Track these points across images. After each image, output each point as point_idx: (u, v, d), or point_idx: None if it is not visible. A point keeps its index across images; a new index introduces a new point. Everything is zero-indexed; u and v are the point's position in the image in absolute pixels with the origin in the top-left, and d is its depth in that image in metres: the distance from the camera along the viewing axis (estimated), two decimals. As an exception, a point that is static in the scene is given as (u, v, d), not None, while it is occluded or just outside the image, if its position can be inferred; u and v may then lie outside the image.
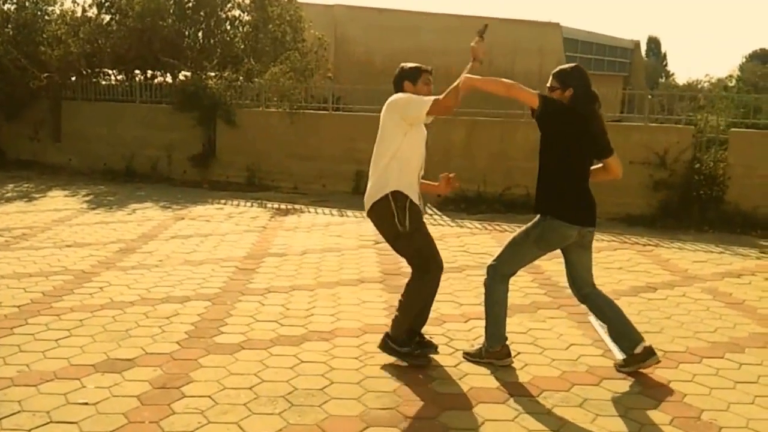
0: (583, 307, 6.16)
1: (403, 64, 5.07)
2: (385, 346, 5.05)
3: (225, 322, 5.71)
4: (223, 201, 11.90)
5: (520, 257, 5.00)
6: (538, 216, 4.85)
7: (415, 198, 4.91)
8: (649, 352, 4.75)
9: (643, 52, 44.04)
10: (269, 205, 11.57)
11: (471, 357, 5.06)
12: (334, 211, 10.86)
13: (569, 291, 5.12)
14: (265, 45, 16.00)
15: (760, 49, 58.60)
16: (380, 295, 6.55)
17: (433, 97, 4.80)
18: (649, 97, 11.39)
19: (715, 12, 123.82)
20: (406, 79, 4.98)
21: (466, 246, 8.53)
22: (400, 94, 4.93)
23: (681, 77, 72.34)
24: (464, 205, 10.86)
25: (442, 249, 8.24)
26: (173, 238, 8.84)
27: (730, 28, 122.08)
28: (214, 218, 10.30)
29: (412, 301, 5.00)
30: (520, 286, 6.64)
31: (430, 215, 10.41)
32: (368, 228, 9.34)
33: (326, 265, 7.61)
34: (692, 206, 9.62)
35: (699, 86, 41.04)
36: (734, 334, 5.66)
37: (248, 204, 11.67)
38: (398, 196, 4.81)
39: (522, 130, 10.90)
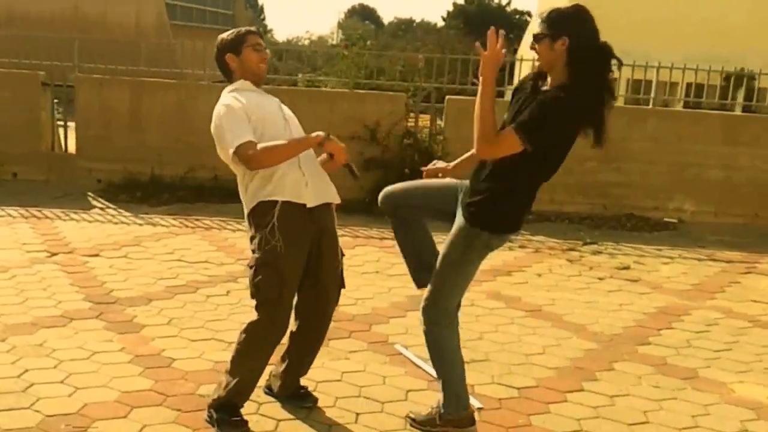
0: (378, 333, 5.49)
1: (221, 36, 4.14)
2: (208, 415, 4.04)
3: None
4: None
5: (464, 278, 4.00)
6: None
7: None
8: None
9: (241, 4, 44.10)
10: None
11: (420, 424, 4.09)
12: None
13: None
14: None
15: (359, 5, 62.24)
16: (110, 339, 5.11)
17: (242, 141, 3.77)
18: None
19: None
20: (227, 53, 4.05)
21: (177, 253, 7.21)
22: (218, 108, 3.94)
23: (280, 34, 74.40)
24: (140, 193, 9.35)
25: (143, 258, 7.07)
26: None
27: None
28: None
29: (235, 354, 4.00)
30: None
31: (102, 209, 8.78)
32: (27, 232, 7.56)
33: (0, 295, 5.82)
34: (409, 188, 9.29)
35: (299, 44, 42.27)
36: (568, 354, 5.37)
37: None
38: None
39: (204, 95, 9.64)
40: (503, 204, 3.76)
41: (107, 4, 25.76)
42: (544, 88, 3.67)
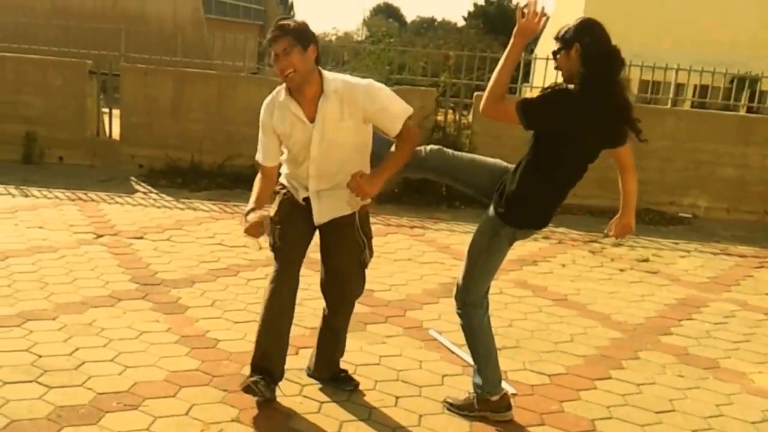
0: (412, 318, 5.36)
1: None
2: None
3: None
4: None
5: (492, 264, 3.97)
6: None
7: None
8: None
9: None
10: None
11: (458, 409, 4.01)
12: (12, 189, 8.40)
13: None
14: None
15: (384, 4, 61.68)
16: (156, 319, 5.00)
17: (258, 159, 3.94)
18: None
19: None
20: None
21: (218, 237, 7.08)
22: None
23: (309, 29, 74.06)
24: (180, 179, 9.19)
25: (186, 241, 6.95)
26: None
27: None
28: None
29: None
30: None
31: (145, 193, 8.66)
32: (74, 214, 7.46)
33: (50, 274, 5.71)
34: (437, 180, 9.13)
35: (327, 39, 41.89)
36: (594, 342, 5.25)
37: None
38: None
39: (243, 87, 9.53)
40: (526, 202, 3.73)
41: (146, -1, 25.61)
42: None
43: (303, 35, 3.60)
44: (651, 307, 6.08)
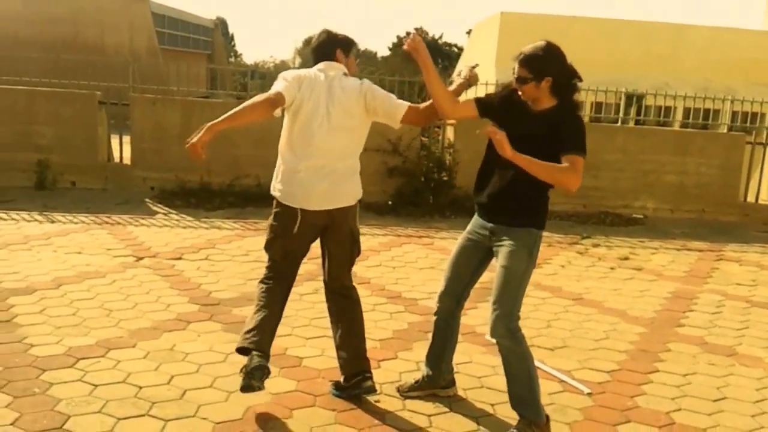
0: (464, 324, 4.96)
1: (329, 30, 3.77)
2: None
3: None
4: None
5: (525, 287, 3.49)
6: (524, 229, 3.46)
7: None
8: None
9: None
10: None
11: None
12: (36, 215, 7.54)
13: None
14: None
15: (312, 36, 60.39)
16: (233, 340, 4.36)
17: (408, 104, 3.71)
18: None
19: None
20: (338, 47, 3.70)
21: (252, 254, 6.43)
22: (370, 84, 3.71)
23: (248, 57, 72.45)
24: (193, 199, 8.49)
25: (223, 259, 6.36)
26: None
27: (285, 14, 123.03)
28: None
29: None
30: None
31: (165, 214, 7.95)
32: (106, 238, 6.79)
33: (109, 300, 5.07)
34: (426, 192, 8.76)
35: (266, 66, 41.02)
36: (626, 337, 5.01)
37: None
38: None
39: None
40: (544, 201, 3.51)
41: (104, 30, 24.29)
42: (542, 107, 3.38)
43: None
44: (653, 301, 5.87)
